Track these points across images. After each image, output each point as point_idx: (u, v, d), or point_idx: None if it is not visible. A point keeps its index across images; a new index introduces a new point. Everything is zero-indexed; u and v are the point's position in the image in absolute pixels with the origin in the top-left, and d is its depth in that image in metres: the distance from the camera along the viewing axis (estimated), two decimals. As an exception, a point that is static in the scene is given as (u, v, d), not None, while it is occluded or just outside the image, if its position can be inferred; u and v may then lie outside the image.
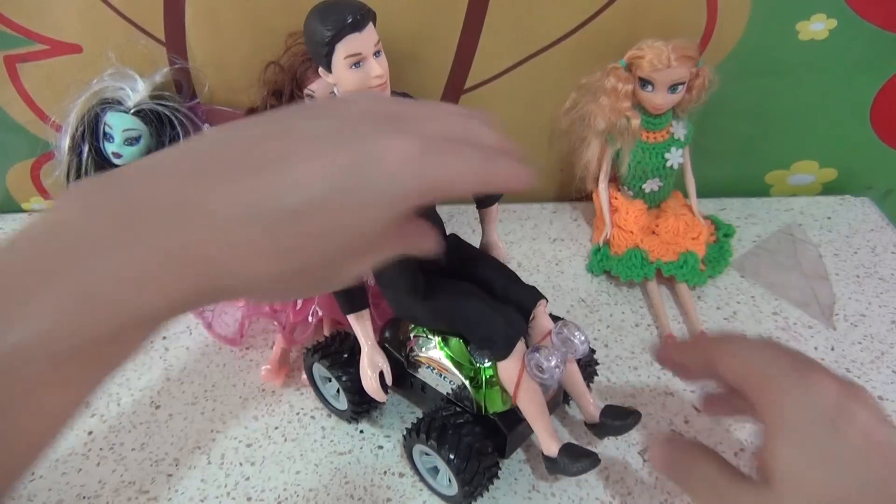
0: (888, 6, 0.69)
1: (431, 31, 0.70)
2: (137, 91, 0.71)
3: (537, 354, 0.46)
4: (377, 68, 0.43)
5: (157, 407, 0.61)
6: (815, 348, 0.65)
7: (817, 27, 0.70)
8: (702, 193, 0.75)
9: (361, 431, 0.59)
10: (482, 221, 0.55)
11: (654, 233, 0.73)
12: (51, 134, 0.74)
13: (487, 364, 0.49)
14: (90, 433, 0.59)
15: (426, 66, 0.73)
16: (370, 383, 0.50)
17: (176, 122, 0.72)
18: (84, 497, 0.54)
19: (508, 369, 0.47)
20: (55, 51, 0.72)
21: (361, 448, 0.57)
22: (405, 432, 0.52)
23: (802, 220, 0.81)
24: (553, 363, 0.46)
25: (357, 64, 0.43)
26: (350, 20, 0.42)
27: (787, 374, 0.32)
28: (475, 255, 0.54)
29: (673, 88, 0.66)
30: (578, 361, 0.51)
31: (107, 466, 0.56)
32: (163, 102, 0.72)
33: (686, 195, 0.75)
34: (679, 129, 0.71)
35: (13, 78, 0.74)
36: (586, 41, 0.71)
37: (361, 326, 0.50)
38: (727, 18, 0.70)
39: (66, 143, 0.72)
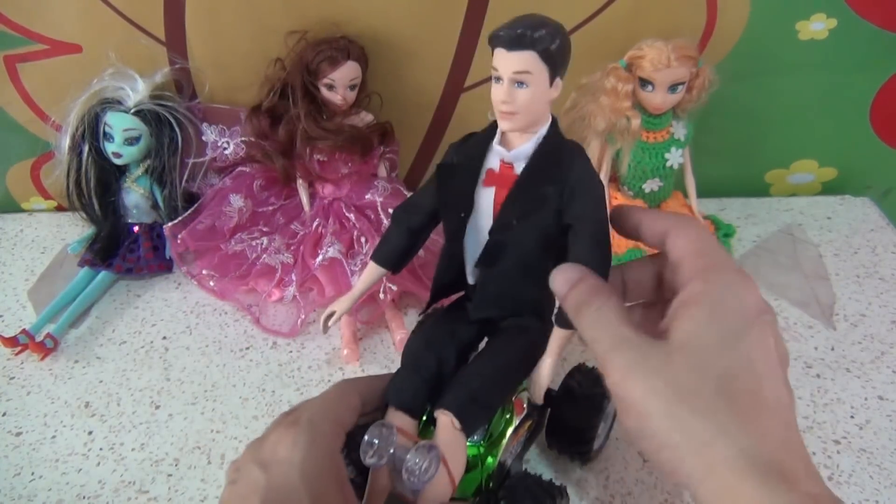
0: (888, 6, 0.69)
1: (431, 30, 0.70)
2: (137, 91, 0.71)
3: (368, 436, 0.41)
4: (502, 94, 0.40)
5: (157, 407, 0.61)
6: (816, 348, 0.65)
7: (817, 27, 0.70)
8: (702, 193, 0.75)
9: (361, 431, 0.59)
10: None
11: (654, 233, 0.73)
12: (51, 134, 0.74)
13: None
14: (90, 433, 0.59)
15: (426, 64, 0.73)
16: (322, 317, 0.52)
17: (175, 123, 0.72)
18: (84, 497, 0.54)
19: None
20: (55, 51, 0.72)
21: (361, 448, 0.57)
22: None
23: (802, 220, 0.81)
24: (369, 453, 0.41)
25: (498, 79, 0.41)
26: (506, 35, 0.39)
27: (731, 269, 0.34)
28: (498, 331, 0.48)
29: (673, 88, 0.66)
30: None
31: (107, 466, 0.56)
32: (163, 102, 0.72)
33: (686, 195, 0.75)
34: (679, 129, 0.71)
35: (13, 78, 0.74)
36: (586, 41, 0.70)
37: (365, 275, 0.50)
38: (727, 18, 0.70)
39: (66, 142, 0.72)
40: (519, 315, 0.46)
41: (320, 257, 0.69)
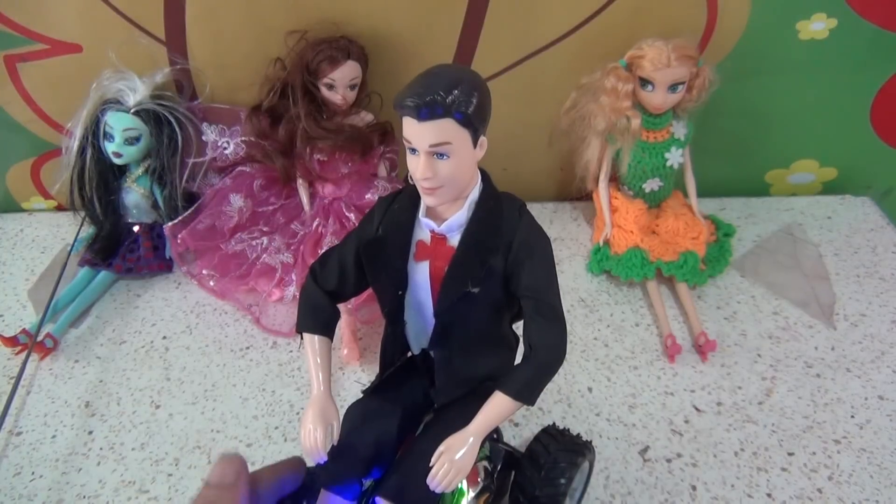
0: (888, 6, 0.69)
1: (432, 30, 0.70)
2: (137, 91, 0.71)
3: None
4: (421, 169, 0.35)
5: (157, 407, 0.61)
6: (816, 348, 0.65)
7: (817, 27, 0.70)
8: (702, 193, 0.75)
9: (361, 431, 0.59)
10: None
11: (654, 232, 0.73)
12: (53, 135, 0.74)
13: None
14: (90, 433, 0.59)
15: (426, 64, 0.73)
16: (310, 440, 0.40)
17: (175, 122, 0.72)
18: (84, 497, 0.54)
19: None
20: (55, 50, 0.72)
21: (361, 448, 0.57)
22: None
23: (802, 220, 0.81)
24: None
25: (413, 151, 0.36)
26: (415, 103, 0.34)
27: None
28: (446, 418, 0.42)
29: (673, 88, 0.66)
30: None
31: (107, 466, 0.56)
32: (163, 102, 0.72)
33: (686, 195, 0.75)
34: (679, 129, 0.71)
35: (13, 77, 0.74)
36: (586, 41, 0.71)
37: (314, 357, 0.41)
38: (727, 18, 0.70)
39: (75, 146, 0.72)
40: (480, 388, 0.41)
41: None
